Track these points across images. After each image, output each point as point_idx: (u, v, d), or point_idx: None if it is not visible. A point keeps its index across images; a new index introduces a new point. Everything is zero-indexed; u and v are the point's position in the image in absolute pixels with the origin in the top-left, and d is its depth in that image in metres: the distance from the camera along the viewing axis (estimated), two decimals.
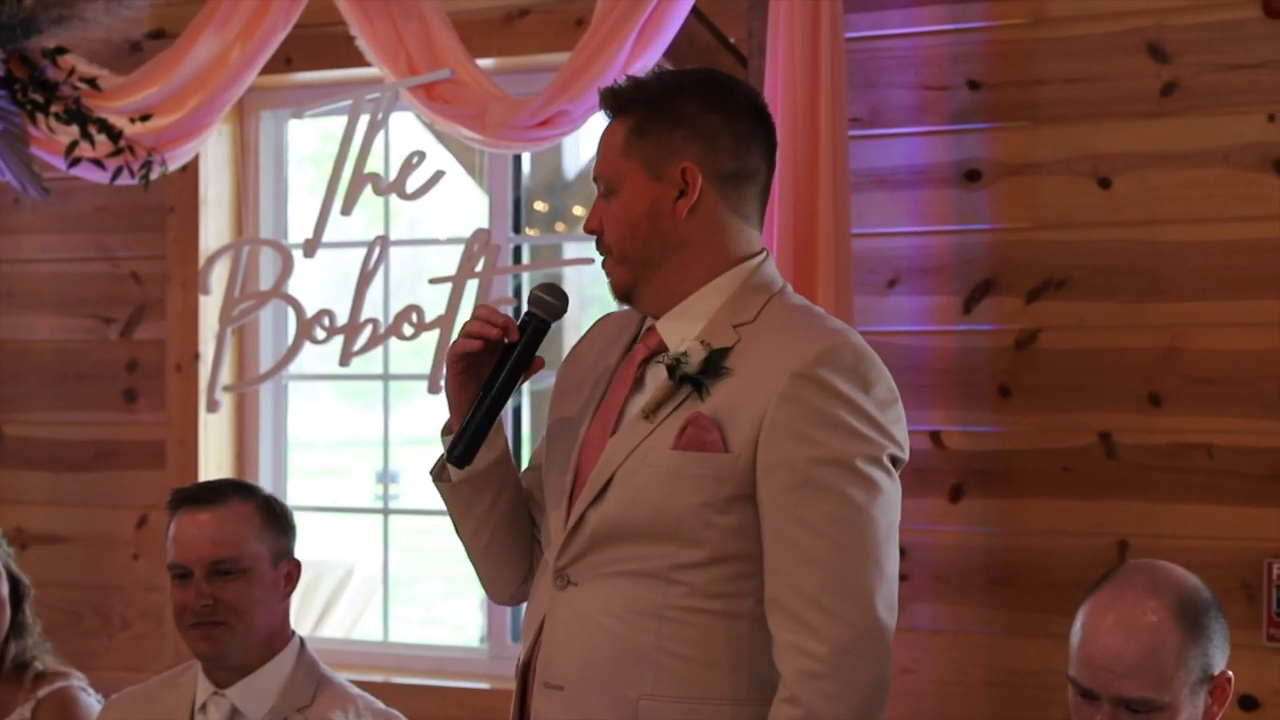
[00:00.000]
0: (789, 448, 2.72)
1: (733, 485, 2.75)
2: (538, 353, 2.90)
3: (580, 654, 2.80)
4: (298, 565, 3.69)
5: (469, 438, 2.87)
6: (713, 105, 2.86)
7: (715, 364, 2.79)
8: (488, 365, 2.89)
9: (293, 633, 3.67)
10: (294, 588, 3.68)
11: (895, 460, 2.78)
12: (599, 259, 2.93)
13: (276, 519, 3.67)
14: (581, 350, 3.04)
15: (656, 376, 2.84)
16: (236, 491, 3.68)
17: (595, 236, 2.91)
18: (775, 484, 2.73)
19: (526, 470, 3.09)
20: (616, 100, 2.89)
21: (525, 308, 2.91)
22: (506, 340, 2.88)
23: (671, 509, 2.76)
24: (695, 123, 2.84)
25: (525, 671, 2.91)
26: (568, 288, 2.96)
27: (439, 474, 3.01)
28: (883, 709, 2.72)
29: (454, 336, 3.13)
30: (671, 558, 2.76)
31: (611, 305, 3.01)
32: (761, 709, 2.74)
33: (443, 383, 3.02)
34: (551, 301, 2.89)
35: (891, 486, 2.76)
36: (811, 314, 2.89)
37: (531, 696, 2.88)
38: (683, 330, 2.84)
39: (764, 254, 2.92)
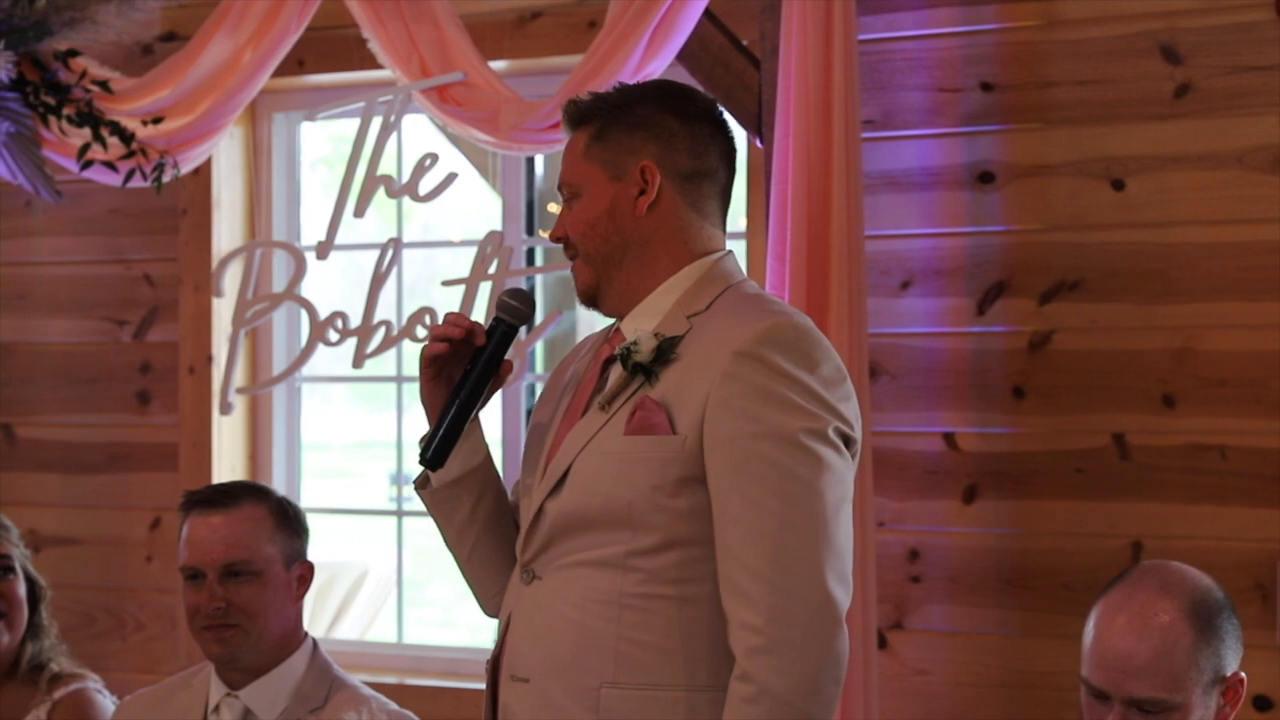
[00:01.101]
0: (732, 425, 2.74)
1: (681, 467, 2.77)
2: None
3: (544, 645, 2.84)
4: (310, 567, 3.69)
5: (439, 440, 2.92)
6: (670, 109, 2.94)
7: (665, 352, 2.83)
8: (459, 369, 2.95)
9: (305, 634, 3.68)
10: (307, 590, 3.68)
11: (845, 438, 2.79)
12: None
13: (289, 521, 3.67)
14: (563, 366, 3.10)
15: (617, 371, 2.88)
16: (249, 494, 3.69)
17: (563, 244, 2.97)
18: (720, 462, 2.75)
19: (515, 486, 3.12)
20: (578, 112, 2.98)
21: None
22: (476, 344, 2.94)
23: (623, 493, 2.79)
24: (653, 125, 2.92)
25: (495, 666, 2.96)
26: None
27: (422, 483, 3.05)
28: (838, 684, 2.71)
29: None
30: (627, 544, 2.79)
31: None
32: (720, 694, 2.75)
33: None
34: (518, 306, 2.96)
35: (839, 462, 2.77)
36: (762, 299, 2.93)
37: (500, 690, 2.93)
38: (643, 325, 2.89)
39: (726, 252, 2.96)
